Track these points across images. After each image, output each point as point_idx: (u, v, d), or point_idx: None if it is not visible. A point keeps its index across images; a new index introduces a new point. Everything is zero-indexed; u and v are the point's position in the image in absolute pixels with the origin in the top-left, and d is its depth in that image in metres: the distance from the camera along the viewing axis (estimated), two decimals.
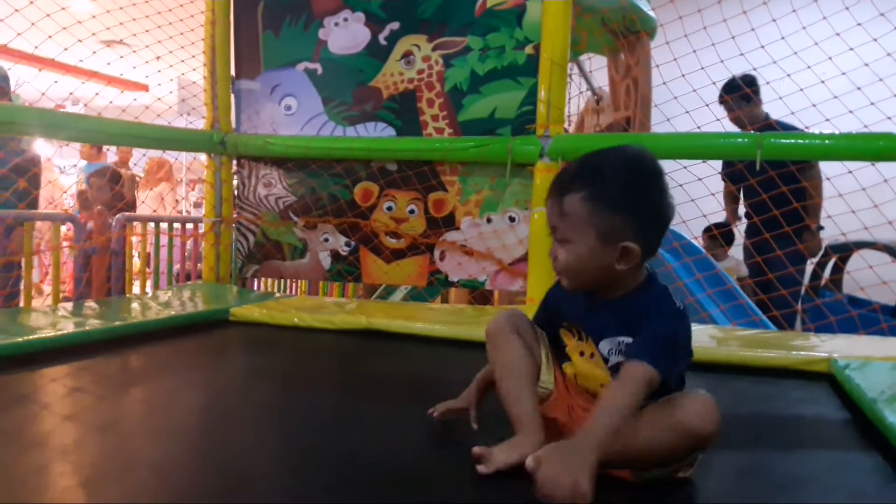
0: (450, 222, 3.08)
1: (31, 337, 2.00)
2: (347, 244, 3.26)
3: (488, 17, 2.92)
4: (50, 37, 3.11)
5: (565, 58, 2.78)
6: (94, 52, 3.68)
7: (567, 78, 2.88)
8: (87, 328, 2.18)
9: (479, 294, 3.68)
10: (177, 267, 3.66)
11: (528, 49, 2.88)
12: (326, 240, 3.30)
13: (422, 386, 1.87)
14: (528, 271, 2.87)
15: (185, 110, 5.43)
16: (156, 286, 3.42)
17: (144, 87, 10.06)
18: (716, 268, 3.82)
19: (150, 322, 2.41)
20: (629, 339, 1.16)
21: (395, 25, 3.06)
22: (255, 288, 4.11)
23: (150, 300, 2.80)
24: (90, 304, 2.70)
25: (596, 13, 3.77)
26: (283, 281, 4.47)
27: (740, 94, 3.68)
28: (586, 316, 1.23)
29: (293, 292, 4.66)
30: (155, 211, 5.57)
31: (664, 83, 3.28)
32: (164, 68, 3.85)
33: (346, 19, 3.14)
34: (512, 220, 2.98)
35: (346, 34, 3.15)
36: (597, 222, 1.12)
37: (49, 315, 2.38)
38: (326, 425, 1.48)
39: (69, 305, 2.57)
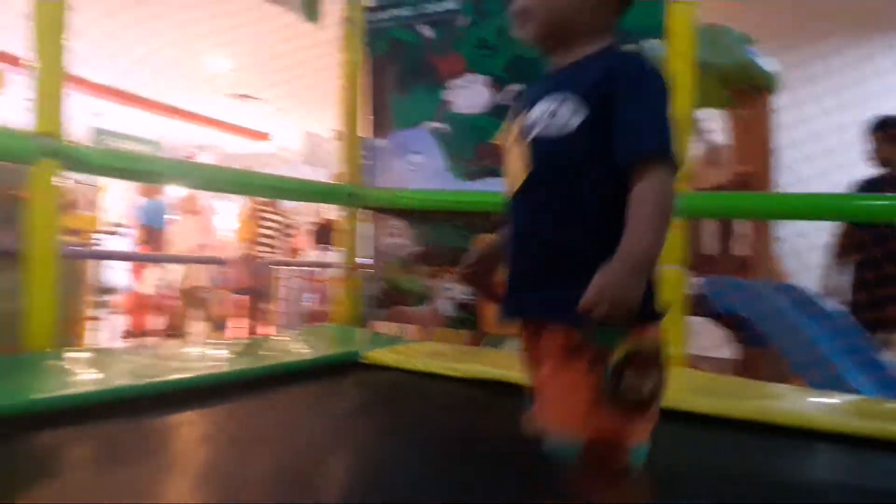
0: None
1: (170, 377, 2.16)
2: (467, 294, 3.38)
3: None
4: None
5: (689, 117, 2.83)
6: (226, 105, 4.00)
7: (691, 135, 2.92)
8: (235, 367, 2.37)
9: None
10: (307, 305, 3.92)
11: None
12: (448, 289, 3.44)
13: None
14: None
15: (311, 161, 5.75)
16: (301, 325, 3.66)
17: (265, 136, 10.81)
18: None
19: (288, 363, 2.57)
20: (567, 99, 1.04)
21: (517, 87, 3.21)
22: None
23: (289, 340, 2.99)
24: (239, 342, 2.93)
25: (714, 70, 3.79)
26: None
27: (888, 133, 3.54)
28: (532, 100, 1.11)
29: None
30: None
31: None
32: (288, 121, 4.16)
33: (470, 82, 3.32)
34: None
35: (469, 95, 3.32)
36: None
37: (202, 352, 2.61)
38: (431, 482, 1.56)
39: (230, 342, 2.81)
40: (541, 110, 1.07)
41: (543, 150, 1.07)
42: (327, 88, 3.55)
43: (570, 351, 1.02)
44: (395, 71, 3.51)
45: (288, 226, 6.27)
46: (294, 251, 6.52)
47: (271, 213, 6.06)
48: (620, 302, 0.93)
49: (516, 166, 1.13)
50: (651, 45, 2.91)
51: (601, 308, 0.93)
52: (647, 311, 0.99)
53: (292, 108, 3.92)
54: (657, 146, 1.00)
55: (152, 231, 6.17)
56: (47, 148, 2.20)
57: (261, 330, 3.60)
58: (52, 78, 2.21)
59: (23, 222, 2.29)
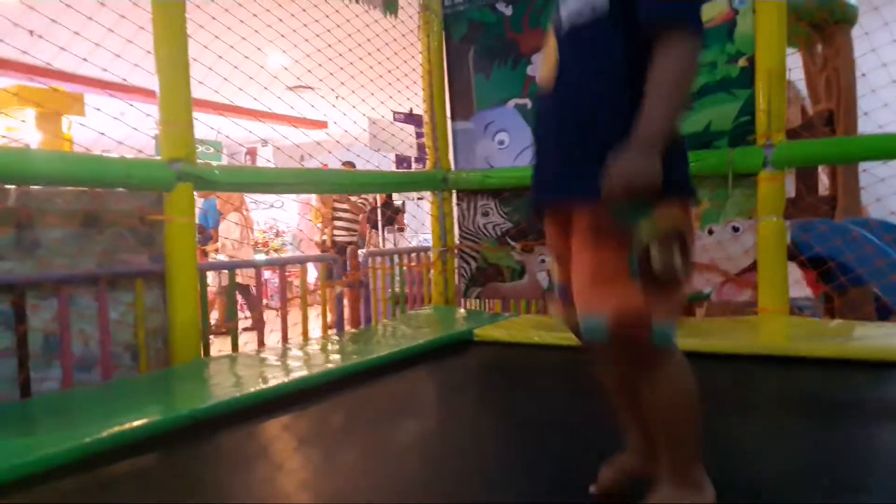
0: None
1: (320, 370, 2.31)
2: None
3: None
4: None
5: (783, 66, 2.82)
6: (280, 98, 4.09)
7: (785, 85, 2.89)
8: (362, 358, 2.48)
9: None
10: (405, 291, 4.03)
11: (742, 62, 2.93)
12: (543, 261, 3.50)
13: None
14: (758, 281, 2.91)
15: (375, 146, 5.81)
16: (403, 311, 3.78)
17: (324, 125, 10.91)
18: None
19: (411, 347, 2.67)
20: None
21: None
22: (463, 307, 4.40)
23: (401, 326, 3.11)
24: (355, 333, 3.05)
25: (793, 7, 3.72)
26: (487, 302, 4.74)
27: None
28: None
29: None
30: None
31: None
32: (346, 108, 4.23)
33: None
34: (735, 230, 3.03)
35: None
36: None
37: (326, 347, 2.74)
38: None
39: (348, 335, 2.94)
40: (567, 4, 1.11)
41: (574, 37, 1.10)
42: (385, 73, 3.59)
43: (598, 231, 1.04)
44: (476, 52, 3.54)
45: (356, 212, 6.42)
46: (362, 236, 6.70)
47: (342, 201, 6.21)
48: (638, 181, 0.96)
49: (549, 59, 1.14)
50: None
51: (621, 190, 0.96)
52: (670, 185, 1.00)
53: (350, 94, 3.98)
54: (678, 12, 1.01)
55: (204, 231, 6.40)
56: (182, 173, 2.33)
57: (361, 319, 3.73)
58: (180, 105, 2.32)
59: (161, 244, 2.43)
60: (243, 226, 6.34)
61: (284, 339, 3.00)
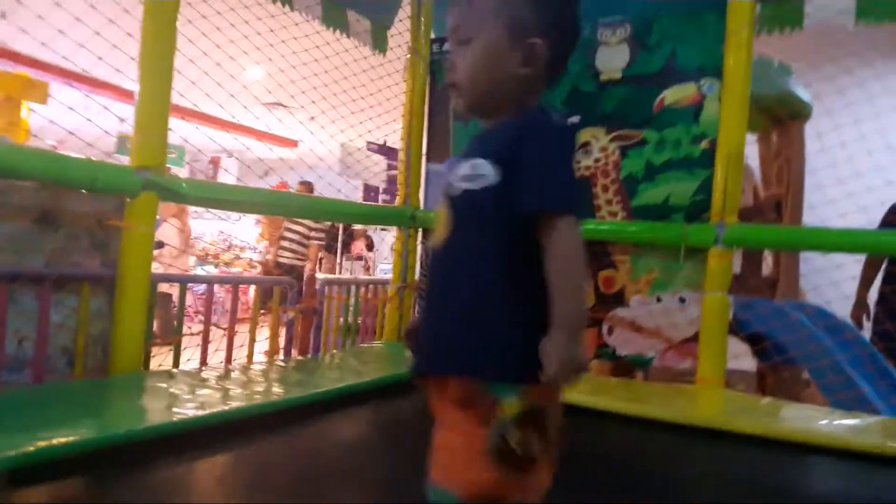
0: (619, 299, 3.27)
1: (262, 399, 2.28)
2: None
3: (666, 114, 3.14)
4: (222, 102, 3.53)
5: (742, 152, 2.96)
6: (258, 115, 4.11)
7: (742, 170, 3.03)
8: (305, 391, 2.46)
9: (620, 366, 3.75)
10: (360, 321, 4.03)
11: (704, 144, 3.07)
12: None
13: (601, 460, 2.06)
14: (699, 351, 3.01)
15: (344, 171, 5.83)
16: (353, 342, 3.77)
17: (294, 143, 10.89)
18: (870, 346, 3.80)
19: (358, 384, 2.64)
20: (482, 161, 1.08)
21: (575, 119, 3.33)
22: None
23: (350, 359, 3.08)
24: (302, 361, 3.02)
25: (754, 99, 3.91)
26: None
27: None
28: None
29: None
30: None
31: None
32: (317, 129, 4.25)
33: None
34: (682, 301, 3.14)
35: None
36: (505, 11, 1.11)
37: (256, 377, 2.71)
38: None
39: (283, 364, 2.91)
40: (461, 171, 1.12)
41: (461, 207, 1.11)
42: (365, 104, 3.65)
43: (465, 403, 1.04)
44: None
45: (307, 236, 6.28)
46: (312, 261, 6.56)
47: (295, 223, 6.10)
48: (569, 364, 0.97)
49: (440, 224, 1.15)
50: (710, 84, 3.04)
51: (557, 374, 0.96)
52: (537, 367, 0.99)
53: (322, 116, 4.01)
54: (557, 204, 1.03)
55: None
56: (149, 182, 2.31)
57: (310, 347, 3.70)
58: (157, 114, 2.31)
59: (116, 250, 2.39)
60: (181, 231, 6.11)
61: (228, 359, 2.96)
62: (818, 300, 3.78)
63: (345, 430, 2.28)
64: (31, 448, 1.50)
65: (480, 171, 1.08)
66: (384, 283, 4.08)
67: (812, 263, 4.13)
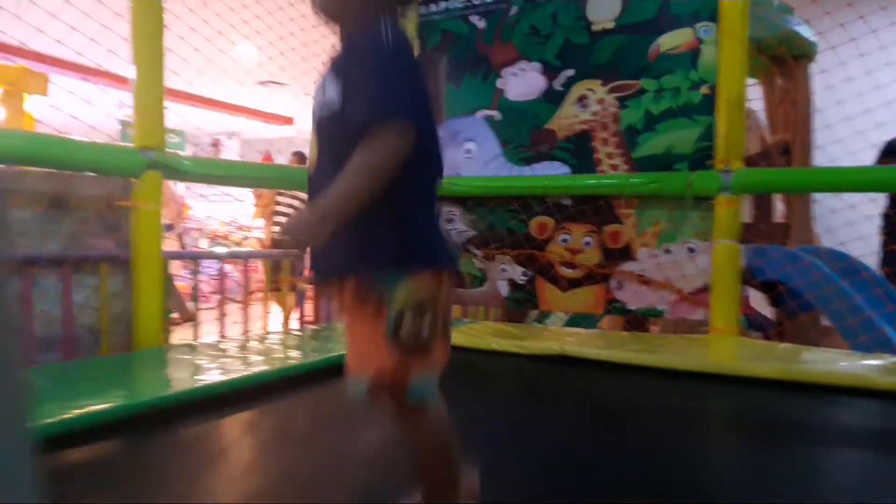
0: (626, 253, 3.28)
1: (282, 364, 2.35)
2: (524, 274, 3.52)
3: (662, 62, 3.12)
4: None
5: (742, 96, 2.94)
6: (251, 92, 4.12)
7: (744, 114, 3.02)
8: (322, 355, 2.51)
9: (632, 319, 3.78)
10: None
11: (704, 89, 3.04)
12: (504, 270, 3.58)
13: (620, 411, 2.10)
14: (711, 301, 3.02)
15: None
16: None
17: (289, 121, 10.88)
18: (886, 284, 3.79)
19: None
20: (331, 82, 1.14)
21: (569, 72, 3.31)
22: None
23: None
24: (316, 330, 3.08)
25: (755, 41, 3.87)
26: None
27: None
28: None
29: None
30: None
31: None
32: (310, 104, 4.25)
33: (522, 69, 3.43)
34: (691, 250, 3.14)
35: (522, 83, 3.43)
36: None
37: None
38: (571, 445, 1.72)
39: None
40: (319, 94, 1.18)
41: (322, 129, 1.19)
42: None
43: (361, 299, 1.15)
44: (447, 62, 3.61)
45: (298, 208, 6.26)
46: None
47: (285, 195, 6.07)
48: (302, 238, 1.06)
49: (312, 147, 1.23)
50: (706, 28, 3.01)
51: (287, 237, 1.05)
52: (420, 260, 1.13)
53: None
54: (381, 112, 1.06)
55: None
56: (152, 161, 2.34)
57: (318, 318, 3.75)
58: (153, 95, 2.33)
59: (127, 230, 2.44)
60: (171, 201, 6.07)
61: (245, 331, 3.01)
62: (832, 242, 3.76)
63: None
64: (68, 416, 1.60)
65: (329, 96, 1.14)
66: None
67: (824, 205, 4.10)
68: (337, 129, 1.13)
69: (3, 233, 0.38)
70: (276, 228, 5.82)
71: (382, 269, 1.13)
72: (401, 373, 1.12)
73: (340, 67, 1.15)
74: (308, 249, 1.15)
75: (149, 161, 2.33)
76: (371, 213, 1.08)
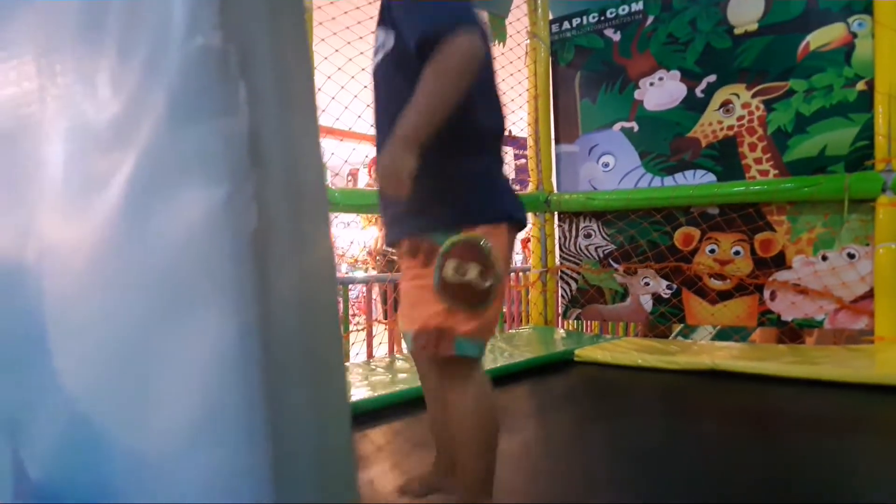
0: (780, 262, 3.12)
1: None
2: (669, 287, 3.43)
3: (812, 60, 2.97)
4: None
5: None
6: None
7: None
8: None
9: (788, 331, 3.57)
10: (504, 310, 4.10)
11: (860, 85, 2.87)
12: (647, 284, 3.50)
13: (779, 426, 1.99)
14: (875, 308, 2.83)
15: None
16: (501, 330, 3.87)
17: None
18: None
19: (513, 364, 2.73)
20: (384, 24, 1.15)
21: (711, 78, 3.22)
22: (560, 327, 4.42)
23: (501, 343, 3.17)
24: None
25: None
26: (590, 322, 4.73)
27: None
28: None
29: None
30: None
31: None
32: None
33: (661, 78, 3.36)
34: (851, 256, 2.95)
35: (661, 92, 3.37)
36: None
37: None
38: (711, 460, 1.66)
39: None
40: (376, 42, 1.19)
41: (379, 77, 1.19)
42: None
43: (412, 253, 1.15)
44: (582, 77, 3.61)
45: None
46: None
47: None
48: (392, 174, 1.01)
49: (374, 98, 1.23)
50: (860, 21, 2.85)
51: (385, 182, 1.02)
52: (475, 213, 1.11)
53: None
54: (441, 25, 1.02)
55: None
56: None
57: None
58: None
59: None
60: None
61: (391, 351, 3.12)
62: None
63: (507, 403, 2.35)
64: None
65: (381, 40, 1.16)
66: (525, 270, 4.12)
67: None
68: (393, 69, 1.13)
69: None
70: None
71: (435, 222, 1.12)
72: (448, 324, 1.09)
73: (386, 15, 1.15)
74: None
75: None
76: (427, 166, 1.04)
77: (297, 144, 0.40)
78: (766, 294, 3.17)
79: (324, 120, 3.23)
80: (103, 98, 0.46)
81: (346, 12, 3.08)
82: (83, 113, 0.49)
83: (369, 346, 3.13)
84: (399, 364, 2.73)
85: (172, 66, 0.40)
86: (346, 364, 2.81)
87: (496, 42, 3.59)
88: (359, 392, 2.20)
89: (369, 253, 5.03)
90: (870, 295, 2.88)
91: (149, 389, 0.45)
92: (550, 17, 3.72)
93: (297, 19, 0.42)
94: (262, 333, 0.39)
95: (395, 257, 4.14)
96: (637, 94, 3.44)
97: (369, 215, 4.65)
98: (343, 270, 8.95)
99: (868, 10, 2.81)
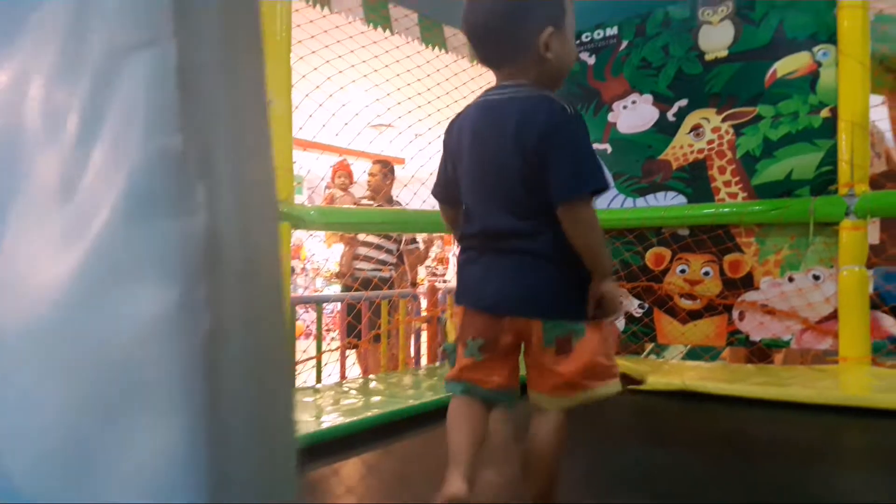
0: (748, 282, 3.19)
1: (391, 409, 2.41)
2: (641, 306, 3.48)
3: (779, 87, 3.04)
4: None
5: (866, 118, 2.83)
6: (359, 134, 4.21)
7: (868, 136, 2.90)
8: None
9: (756, 351, 3.61)
10: None
11: (824, 112, 2.95)
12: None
13: (747, 447, 2.03)
14: (839, 329, 2.89)
15: None
16: None
17: (401, 161, 11.17)
18: None
19: None
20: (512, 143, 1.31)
21: (683, 102, 3.29)
22: None
23: None
24: (432, 368, 3.16)
25: (874, 54, 3.70)
26: None
27: None
28: None
29: None
30: None
31: None
32: (422, 145, 4.35)
33: (634, 102, 3.43)
34: (816, 278, 3.02)
35: (634, 115, 3.43)
36: None
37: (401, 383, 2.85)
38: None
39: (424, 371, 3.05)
40: (484, 136, 1.38)
41: (499, 179, 1.35)
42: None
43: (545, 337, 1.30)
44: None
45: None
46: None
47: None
48: (615, 299, 1.29)
49: (474, 183, 1.41)
50: (824, 50, 2.93)
51: (608, 308, 1.29)
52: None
53: (430, 133, 4.11)
54: (582, 188, 1.27)
55: None
56: (281, 213, 2.50)
57: (433, 357, 3.81)
58: (282, 150, 2.50)
59: None
60: None
61: (365, 372, 3.13)
62: None
63: None
64: None
65: (506, 151, 1.35)
66: None
67: None
68: (538, 181, 1.26)
69: None
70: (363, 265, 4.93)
71: (567, 315, 1.28)
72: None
73: (534, 128, 1.26)
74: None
75: (281, 213, 2.49)
76: (575, 270, 1.28)
77: (257, 243, 0.42)
78: (735, 314, 3.23)
79: (302, 134, 3.23)
80: (56, 189, 0.47)
81: (325, 31, 3.10)
82: (36, 203, 0.50)
83: (342, 366, 3.14)
84: (373, 386, 2.74)
85: (131, 164, 0.41)
86: (318, 386, 2.82)
87: (474, 62, 3.63)
88: (329, 418, 2.20)
89: (338, 274, 4.89)
90: (834, 316, 2.94)
91: (82, 488, 0.45)
92: None
93: (260, 112, 0.44)
94: (211, 442, 0.40)
95: (371, 275, 4.13)
96: (610, 117, 3.50)
97: (336, 233, 4.51)
98: (318, 285, 8.94)
99: (832, 40, 2.89)
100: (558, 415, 1.32)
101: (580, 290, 1.28)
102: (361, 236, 4.33)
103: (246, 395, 0.40)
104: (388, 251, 4.44)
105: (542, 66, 1.31)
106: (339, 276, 4.74)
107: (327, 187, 5.21)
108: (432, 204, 1.64)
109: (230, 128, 0.41)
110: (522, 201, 1.27)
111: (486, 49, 1.36)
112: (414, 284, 4.67)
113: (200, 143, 0.40)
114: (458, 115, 1.43)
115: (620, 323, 3.54)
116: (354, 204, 4.71)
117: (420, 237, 4.57)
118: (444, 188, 1.44)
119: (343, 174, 5.02)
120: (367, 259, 4.38)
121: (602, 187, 1.28)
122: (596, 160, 1.28)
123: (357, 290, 3.64)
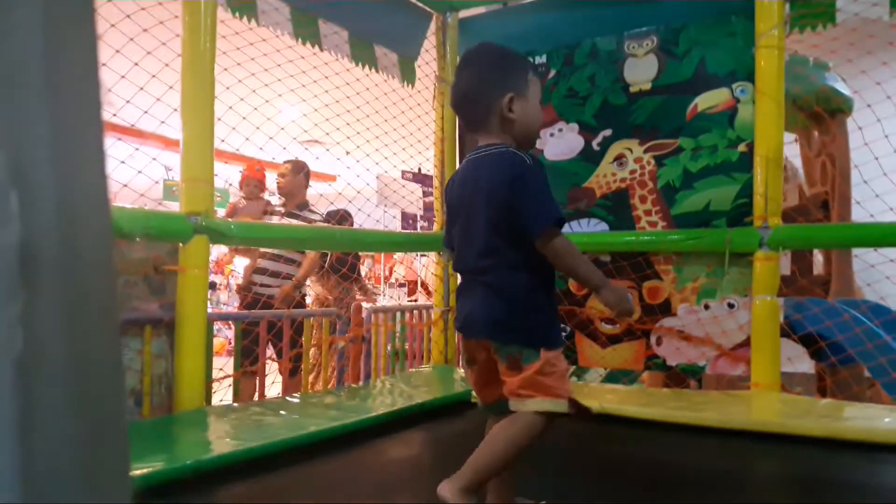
0: (666, 309, 3.25)
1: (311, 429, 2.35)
2: (563, 330, 3.50)
3: (700, 120, 3.14)
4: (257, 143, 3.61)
5: (780, 154, 2.94)
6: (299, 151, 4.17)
7: (782, 170, 3.01)
8: (360, 416, 2.53)
9: (673, 375, 3.69)
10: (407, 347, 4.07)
11: (742, 147, 3.05)
12: None
13: (660, 471, 2.06)
14: (752, 356, 2.98)
15: (381, 201, 5.87)
16: (402, 368, 3.83)
17: (332, 178, 11.09)
18: None
19: (410, 407, 2.71)
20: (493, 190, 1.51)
21: (607, 132, 3.36)
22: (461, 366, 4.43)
23: (400, 384, 3.14)
24: (355, 388, 3.09)
25: (791, 97, 3.87)
26: None
27: None
28: None
29: None
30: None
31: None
32: (354, 163, 4.32)
33: (560, 130, 3.48)
34: (731, 306, 3.11)
35: (560, 143, 3.48)
36: None
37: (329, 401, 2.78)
38: None
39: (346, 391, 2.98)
40: (469, 185, 1.61)
41: (483, 218, 1.56)
42: (397, 134, 3.72)
43: (507, 360, 1.48)
44: None
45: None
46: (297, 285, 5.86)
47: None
48: (622, 299, 1.47)
49: (461, 226, 1.63)
50: (742, 87, 3.04)
51: (623, 308, 1.46)
52: (545, 341, 1.46)
53: (357, 150, 4.11)
54: (551, 223, 1.46)
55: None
56: (199, 226, 2.41)
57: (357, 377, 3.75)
58: (203, 163, 2.42)
59: (172, 293, 2.50)
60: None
61: (285, 391, 3.04)
62: (874, 296, 3.69)
63: (400, 451, 2.33)
64: None
65: (487, 195, 1.56)
66: (428, 308, 4.13)
67: (865, 259, 4.02)
68: (501, 224, 1.47)
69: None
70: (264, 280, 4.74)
71: (525, 343, 1.44)
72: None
73: (498, 179, 1.48)
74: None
75: (195, 226, 2.41)
76: (521, 300, 1.47)
77: (84, 256, 0.38)
78: (653, 339, 3.29)
79: (225, 147, 3.16)
80: None
81: (251, 43, 3.04)
82: None
83: (261, 385, 3.04)
84: (292, 405, 2.65)
85: None
86: (234, 405, 2.71)
87: (405, 84, 3.62)
88: (245, 439, 2.11)
89: (237, 289, 4.63)
90: (747, 343, 3.03)
91: None
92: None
93: (91, 115, 0.40)
94: (24, 477, 0.35)
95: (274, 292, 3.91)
96: (538, 144, 3.53)
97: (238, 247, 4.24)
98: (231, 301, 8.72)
99: (750, 78, 3.01)
100: (523, 418, 1.44)
101: (532, 318, 1.47)
102: (263, 248, 3.87)
103: (67, 428, 0.36)
104: (290, 261, 4.05)
105: (509, 127, 1.53)
106: (238, 290, 4.46)
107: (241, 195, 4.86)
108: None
109: (52, 132, 0.36)
110: (489, 242, 1.48)
111: (465, 115, 1.63)
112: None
113: (13, 148, 0.36)
114: (455, 172, 1.72)
115: None
116: (267, 212, 4.50)
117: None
118: (448, 235, 1.67)
119: (253, 181, 4.72)
120: (268, 273, 3.99)
121: (562, 218, 1.46)
122: (553, 199, 1.48)
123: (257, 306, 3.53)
